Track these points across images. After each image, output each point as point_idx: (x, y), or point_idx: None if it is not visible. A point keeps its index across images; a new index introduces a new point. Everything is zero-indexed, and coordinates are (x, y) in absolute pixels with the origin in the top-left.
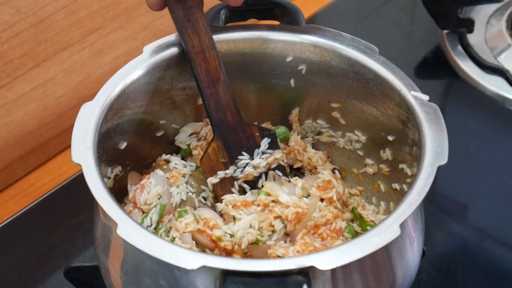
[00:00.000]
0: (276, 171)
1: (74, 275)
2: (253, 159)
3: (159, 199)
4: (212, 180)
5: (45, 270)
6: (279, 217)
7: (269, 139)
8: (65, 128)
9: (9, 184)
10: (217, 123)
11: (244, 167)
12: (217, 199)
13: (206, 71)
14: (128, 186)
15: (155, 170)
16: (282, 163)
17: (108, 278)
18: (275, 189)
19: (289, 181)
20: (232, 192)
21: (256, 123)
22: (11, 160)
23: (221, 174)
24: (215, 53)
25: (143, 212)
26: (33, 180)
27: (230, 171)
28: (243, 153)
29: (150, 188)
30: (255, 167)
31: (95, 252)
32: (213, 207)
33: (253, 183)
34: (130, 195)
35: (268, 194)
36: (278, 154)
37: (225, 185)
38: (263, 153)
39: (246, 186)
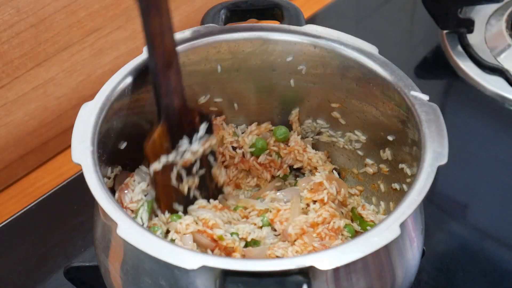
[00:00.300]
0: (209, 156)
1: (74, 275)
2: (192, 144)
3: (145, 195)
4: (156, 166)
5: (45, 270)
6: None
7: (207, 124)
8: (65, 128)
9: (9, 184)
10: (165, 108)
11: (184, 152)
12: (154, 186)
13: (163, 54)
14: (115, 186)
15: (140, 166)
16: (215, 149)
17: (108, 278)
18: (249, 201)
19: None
20: (170, 178)
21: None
22: (11, 160)
23: (163, 159)
24: (173, 36)
25: (132, 211)
26: (33, 180)
27: (172, 157)
28: (184, 138)
29: (134, 185)
30: (193, 153)
31: (95, 252)
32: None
33: (189, 169)
34: (116, 196)
35: (245, 208)
36: (213, 139)
37: (166, 171)
38: (200, 138)
39: (183, 171)
